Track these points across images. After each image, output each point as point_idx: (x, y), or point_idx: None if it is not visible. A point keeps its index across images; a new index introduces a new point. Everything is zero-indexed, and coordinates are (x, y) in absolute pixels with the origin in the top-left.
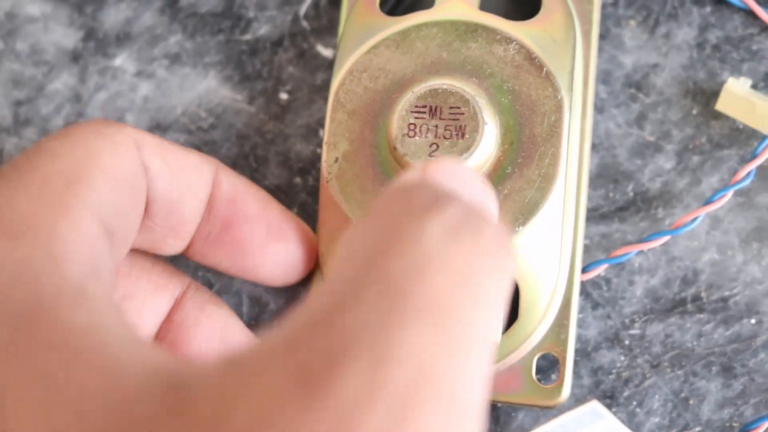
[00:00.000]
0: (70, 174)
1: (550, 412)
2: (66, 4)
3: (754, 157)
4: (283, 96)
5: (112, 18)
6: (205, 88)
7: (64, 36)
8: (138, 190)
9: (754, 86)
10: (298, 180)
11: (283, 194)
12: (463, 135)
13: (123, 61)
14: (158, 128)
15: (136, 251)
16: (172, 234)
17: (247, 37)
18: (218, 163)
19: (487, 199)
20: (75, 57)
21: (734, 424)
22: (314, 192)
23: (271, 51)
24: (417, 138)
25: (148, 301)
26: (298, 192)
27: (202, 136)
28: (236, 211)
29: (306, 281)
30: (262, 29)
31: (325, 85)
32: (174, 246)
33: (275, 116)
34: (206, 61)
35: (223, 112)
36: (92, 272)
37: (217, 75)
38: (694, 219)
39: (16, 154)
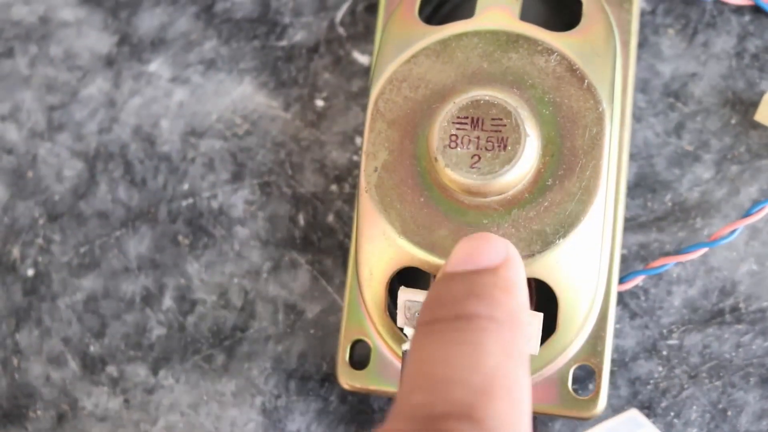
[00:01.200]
0: None
1: (588, 421)
2: (100, 9)
3: None
4: (319, 103)
5: (146, 23)
6: (240, 94)
7: (98, 41)
8: None
9: None
10: (334, 187)
11: (319, 202)
12: (505, 147)
13: (158, 66)
14: (193, 134)
15: None
16: None
17: (283, 43)
18: None
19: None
20: (109, 62)
21: None
22: (350, 200)
23: (307, 57)
24: (459, 149)
25: None
26: (334, 199)
27: (237, 142)
28: None
29: (340, 289)
30: (298, 35)
31: (362, 92)
32: None
33: (311, 123)
34: (241, 67)
35: (259, 119)
36: None
37: (253, 81)
38: (733, 231)
39: (50, 160)
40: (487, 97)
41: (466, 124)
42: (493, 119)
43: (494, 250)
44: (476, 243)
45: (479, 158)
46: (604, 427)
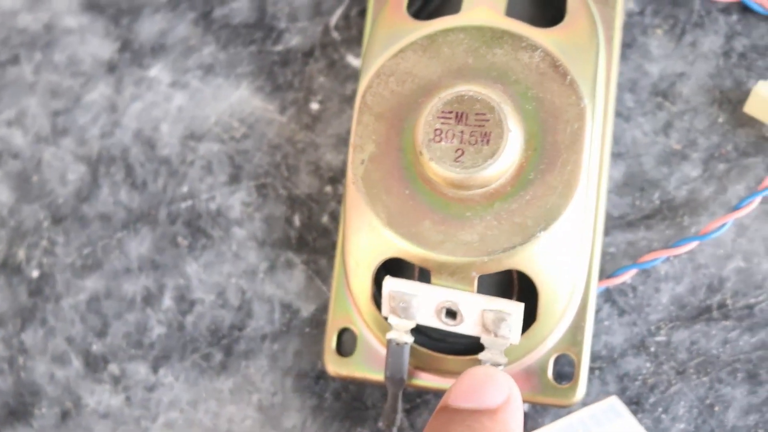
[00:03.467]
0: None
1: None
2: (102, 16)
3: None
4: (314, 106)
5: (147, 29)
6: (237, 98)
7: (100, 47)
8: None
9: None
10: (328, 189)
11: (314, 203)
12: (488, 141)
13: (158, 71)
14: (192, 138)
15: None
16: None
17: (279, 48)
18: None
19: None
20: (111, 68)
21: (759, 431)
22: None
23: (302, 62)
24: (443, 143)
25: None
26: (329, 200)
27: (234, 145)
28: None
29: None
30: (294, 40)
31: (355, 95)
32: None
33: (306, 126)
34: (239, 72)
35: (256, 122)
36: None
37: (250, 85)
38: (722, 225)
39: (54, 164)
40: (471, 93)
41: (450, 118)
42: (477, 114)
43: (498, 390)
44: (481, 380)
45: (463, 152)
46: (583, 413)
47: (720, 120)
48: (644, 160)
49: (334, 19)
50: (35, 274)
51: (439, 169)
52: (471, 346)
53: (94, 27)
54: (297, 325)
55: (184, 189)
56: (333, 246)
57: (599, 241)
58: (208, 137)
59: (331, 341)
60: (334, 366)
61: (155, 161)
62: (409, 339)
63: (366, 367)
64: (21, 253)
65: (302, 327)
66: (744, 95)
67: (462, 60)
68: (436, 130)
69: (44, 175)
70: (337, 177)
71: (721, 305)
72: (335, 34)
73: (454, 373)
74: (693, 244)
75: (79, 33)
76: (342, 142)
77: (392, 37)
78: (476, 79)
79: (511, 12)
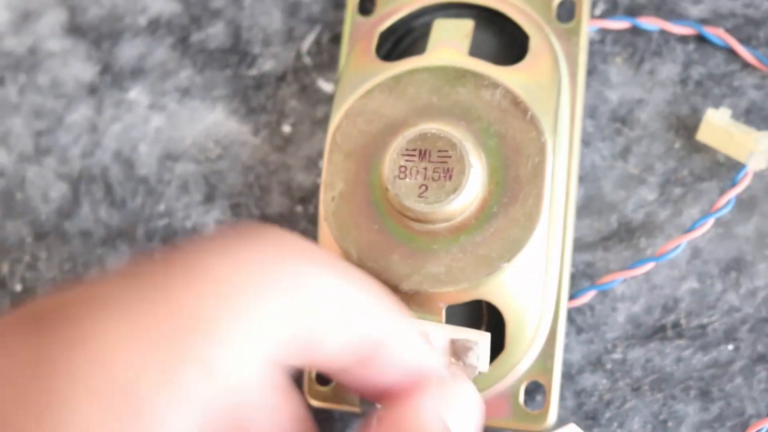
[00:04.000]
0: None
1: None
2: (84, 40)
3: (733, 185)
4: (286, 128)
5: (126, 53)
6: (213, 120)
7: (82, 70)
8: None
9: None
10: (299, 208)
11: (285, 222)
12: (450, 177)
13: (137, 94)
14: (169, 158)
15: None
16: None
17: (253, 72)
18: None
19: None
20: (92, 90)
21: None
22: (314, 220)
23: (275, 85)
24: (408, 179)
25: None
26: (299, 220)
27: (210, 166)
28: None
29: None
30: (267, 65)
31: (326, 118)
32: None
33: (278, 148)
34: (214, 95)
35: (230, 144)
36: None
37: (225, 108)
38: (677, 246)
39: (37, 182)
40: (434, 130)
41: (414, 155)
42: (439, 151)
43: None
44: None
45: (426, 188)
46: None
47: (676, 146)
48: (603, 183)
49: (306, 44)
50: (18, 288)
51: (404, 204)
52: None
53: (77, 50)
54: None
55: (161, 207)
56: None
57: (567, 269)
58: (185, 158)
59: (311, 372)
60: (314, 396)
61: (134, 180)
62: None
63: (344, 396)
64: (5, 268)
65: None
66: (700, 121)
67: (427, 99)
68: (401, 167)
69: (27, 192)
70: (308, 197)
71: (676, 324)
72: (307, 59)
73: None
74: (649, 266)
75: (61, 56)
76: (312, 163)
77: (361, 78)
78: (440, 117)
79: (475, 52)
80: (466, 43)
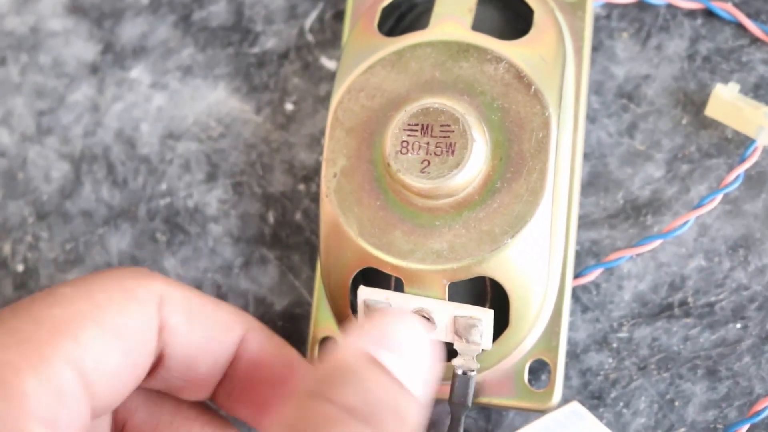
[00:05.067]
0: (59, 323)
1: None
2: (86, 19)
3: (742, 160)
4: (289, 106)
5: (128, 32)
6: (215, 98)
7: (84, 49)
8: (142, 346)
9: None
10: (301, 187)
11: (287, 200)
12: (453, 152)
13: (139, 73)
14: (171, 137)
15: (182, 402)
16: (189, 386)
17: (255, 50)
18: (250, 322)
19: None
20: (94, 69)
21: (718, 426)
22: (316, 198)
23: (278, 63)
24: (410, 155)
25: None
26: (302, 198)
27: (212, 144)
28: (260, 373)
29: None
30: (269, 42)
31: (329, 96)
32: (193, 395)
33: (281, 126)
34: (216, 73)
35: (232, 122)
36: (51, 424)
37: (227, 86)
38: (684, 223)
39: (39, 162)
40: (436, 105)
41: (416, 130)
42: (441, 126)
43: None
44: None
45: (429, 163)
46: (546, 419)
47: (684, 122)
48: (609, 160)
49: (309, 22)
50: (20, 268)
51: (406, 180)
52: (447, 353)
53: (78, 30)
54: (270, 318)
55: (163, 187)
56: (306, 242)
57: (572, 245)
58: (187, 137)
59: (313, 352)
60: None
61: (135, 160)
62: (476, 366)
63: None
64: (6, 248)
65: (275, 320)
66: (707, 97)
67: (429, 74)
68: (402, 142)
69: (29, 172)
70: (310, 175)
71: (683, 303)
72: (310, 37)
73: None
74: (656, 243)
75: (63, 35)
76: (315, 141)
77: (363, 54)
78: (443, 92)
79: (479, 26)
80: (469, 18)
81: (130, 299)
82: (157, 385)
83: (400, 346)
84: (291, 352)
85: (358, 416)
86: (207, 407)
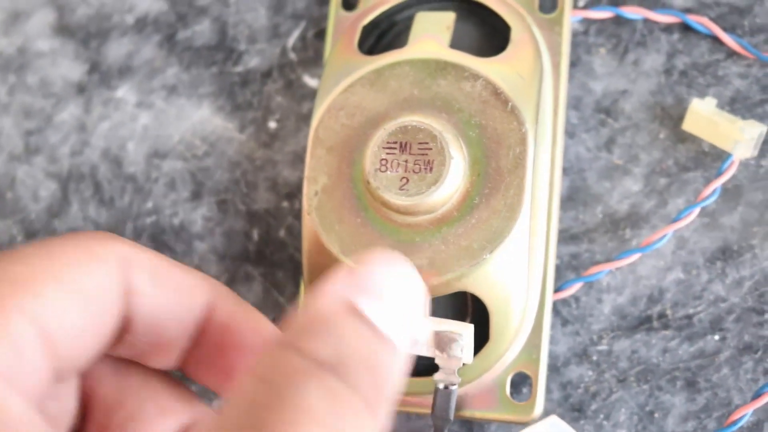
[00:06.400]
0: (19, 279)
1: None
2: (72, 40)
3: (719, 174)
4: (272, 125)
5: (114, 52)
6: (199, 117)
7: (70, 69)
8: (106, 306)
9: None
10: (285, 204)
11: (271, 218)
12: (431, 169)
13: (124, 92)
14: (156, 156)
15: (150, 372)
16: (156, 351)
17: (239, 68)
18: (218, 288)
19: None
20: (80, 89)
21: None
22: (300, 215)
23: (261, 82)
24: (389, 172)
25: (153, 424)
26: (285, 215)
27: (196, 163)
28: (229, 339)
29: (291, 300)
30: (253, 61)
31: (311, 114)
32: (161, 362)
33: (264, 144)
34: (201, 92)
35: (217, 140)
36: (9, 379)
37: (211, 105)
38: (662, 237)
39: (27, 181)
40: (414, 123)
41: (395, 148)
42: (419, 143)
43: None
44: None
45: (407, 180)
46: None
47: (661, 136)
48: (587, 175)
49: (291, 40)
50: None
51: (385, 197)
52: (428, 367)
53: (65, 50)
54: None
55: (149, 205)
56: (290, 259)
57: (552, 259)
58: (172, 155)
59: None
60: None
61: (122, 178)
62: (457, 380)
63: None
64: None
65: None
66: (685, 111)
67: (408, 92)
68: (381, 160)
69: (17, 192)
70: (294, 193)
71: (661, 315)
72: (292, 55)
73: (413, 395)
74: (634, 257)
75: (50, 56)
76: (298, 158)
77: (343, 73)
78: (422, 110)
79: (458, 43)
80: (447, 36)
81: (93, 259)
82: (124, 352)
83: (382, 292)
84: (260, 319)
85: (329, 368)
86: (175, 381)
